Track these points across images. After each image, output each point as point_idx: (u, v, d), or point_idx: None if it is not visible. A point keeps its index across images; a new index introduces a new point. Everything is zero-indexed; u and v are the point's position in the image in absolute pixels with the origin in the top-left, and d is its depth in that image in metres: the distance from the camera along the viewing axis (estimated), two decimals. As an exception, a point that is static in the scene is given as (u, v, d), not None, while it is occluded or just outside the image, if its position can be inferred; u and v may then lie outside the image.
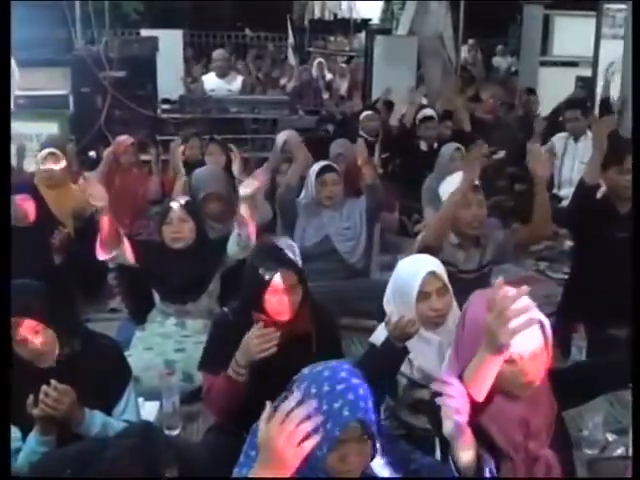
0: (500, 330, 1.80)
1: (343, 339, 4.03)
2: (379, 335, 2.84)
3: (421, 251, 3.46)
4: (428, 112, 6.89)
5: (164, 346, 3.56)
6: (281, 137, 5.78)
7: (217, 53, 8.61)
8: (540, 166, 3.52)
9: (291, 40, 12.26)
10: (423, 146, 6.65)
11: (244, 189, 3.53)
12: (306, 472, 1.76)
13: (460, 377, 1.92)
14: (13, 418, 2.55)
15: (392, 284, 2.94)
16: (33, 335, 2.46)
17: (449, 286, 2.87)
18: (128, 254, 3.63)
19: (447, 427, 1.79)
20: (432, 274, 2.83)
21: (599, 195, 3.90)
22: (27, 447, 2.46)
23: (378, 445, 1.87)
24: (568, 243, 5.44)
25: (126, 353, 3.32)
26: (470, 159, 3.64)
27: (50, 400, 2.35)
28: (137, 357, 3.40)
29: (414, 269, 2.87)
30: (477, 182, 3.67)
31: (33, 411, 2.37)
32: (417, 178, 5.84)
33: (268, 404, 1.71)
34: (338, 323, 3.24)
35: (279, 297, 2.66)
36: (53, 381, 2.37)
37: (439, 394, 1.78)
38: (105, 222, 3.46)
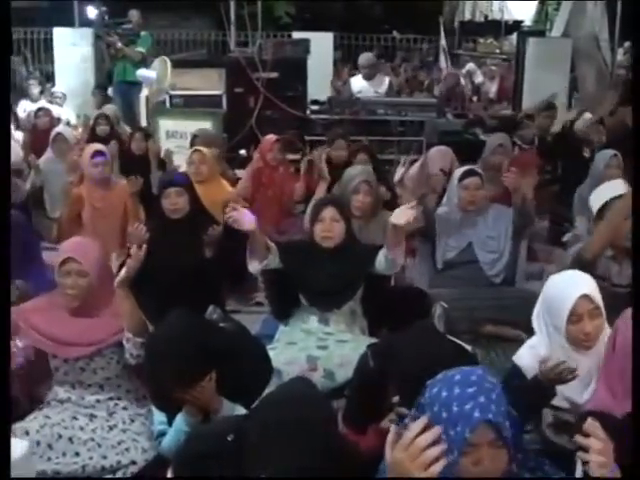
0: None
1: (483, 347, 3.99)
2: (523, 356, 2.79)
3: (577, 264, 3.33)
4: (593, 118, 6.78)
5: (307, 342, 3.55)
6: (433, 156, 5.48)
7: (362, 59, 8.64)
8: None
9: (443, 42, 12.17)
10: (586, 152, 6.44)
11: (397, 218, 3.43)
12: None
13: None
14: (161, 405, 2.78)
15: (542, 301, 2.83)
16: None
17: (602, 308, 2.72)
18: (277, 260, 3.67)
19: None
20: (585, 297, 2.69)
21: None
22: (175, 427, 2.65)
23: (515, 455, 1.83)
24: None
25: (270, 346, 3.42)
26: None
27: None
28: (280, 350, 3.45)
29: (567, 290, 2.73)
30: None
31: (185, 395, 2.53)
32: (571, 185, 5.66)
33: (392, 427, 1.72)
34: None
35: None
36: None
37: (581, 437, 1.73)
38: (254, 237, 3.54)
